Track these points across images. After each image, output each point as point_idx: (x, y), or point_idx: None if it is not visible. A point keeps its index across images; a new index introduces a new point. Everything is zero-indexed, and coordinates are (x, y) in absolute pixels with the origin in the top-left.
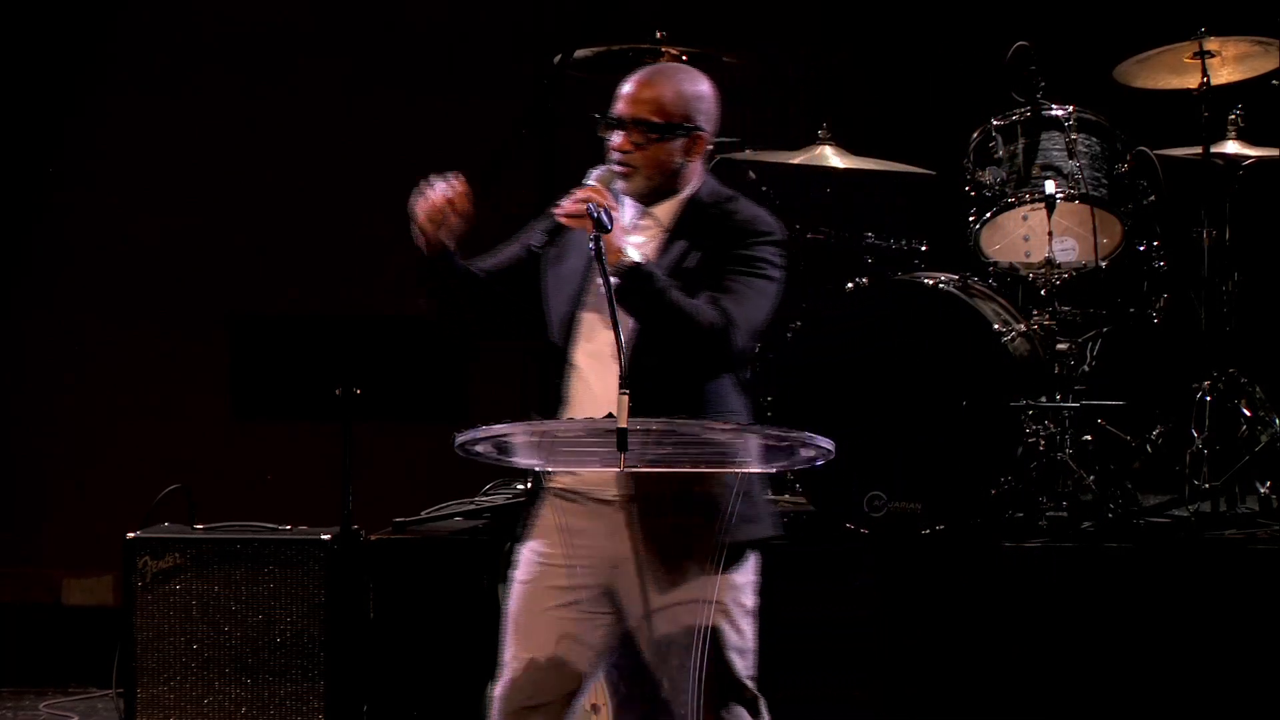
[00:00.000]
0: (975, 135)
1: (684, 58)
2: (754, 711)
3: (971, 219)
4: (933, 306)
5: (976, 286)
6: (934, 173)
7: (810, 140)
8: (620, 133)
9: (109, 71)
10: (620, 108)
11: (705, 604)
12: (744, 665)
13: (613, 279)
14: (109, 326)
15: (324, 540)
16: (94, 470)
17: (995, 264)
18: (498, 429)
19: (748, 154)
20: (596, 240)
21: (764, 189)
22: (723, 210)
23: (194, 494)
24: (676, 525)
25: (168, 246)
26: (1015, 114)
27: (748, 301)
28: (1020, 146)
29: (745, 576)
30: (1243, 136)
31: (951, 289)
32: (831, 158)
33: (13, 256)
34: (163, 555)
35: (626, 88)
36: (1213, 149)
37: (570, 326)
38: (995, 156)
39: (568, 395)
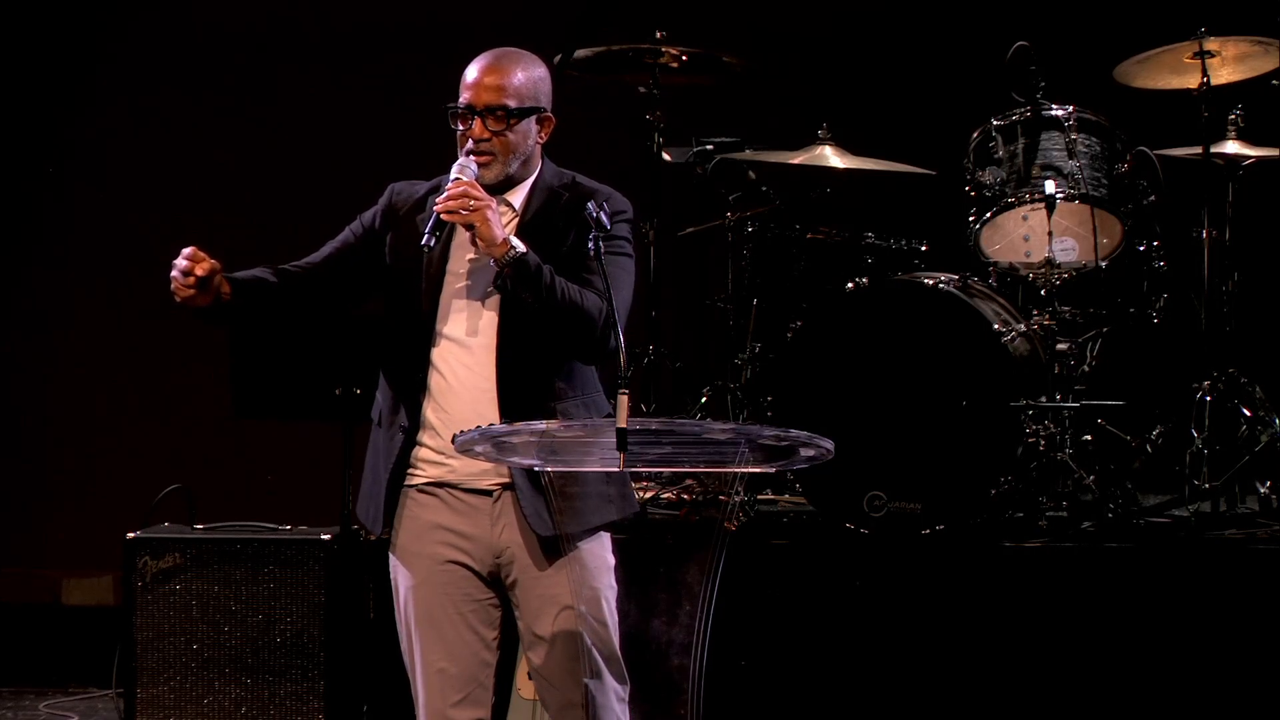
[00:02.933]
0: (975, 135)
1: (684, 58)
2: (622, 683)
3: (971, 219)
4: (933, 306)
5: (976, 286)
6: (934, 173)
7: (810, 140)
8: (476, 120)
9: (109, 71)
10: (474, 95)
11: (582, 585)
12: (614, 639)
13: (500, 270)
14: (109, 326)
15: (324, 540)
16: (94, 470)
17: (995, 264)
18: (497, 429)
19: (748, 154)
20: (597, 240)
21: (764, 189)
22: (574, 191)
23: (194, 494)
24: (547, 510)
25: (168, 246)
26: (1015, 114)
27: (619, 284)
28: (1020, 146)
29: (607, 556)
30: (1243, 136)
31: (951, 289)
32: (831, 158)
33: (12, 256)
34: (163, 555)
35: (474, 75)
36: (1213, 149)
37: (431, 317)
38: (995, 156)
39: (426, 385)
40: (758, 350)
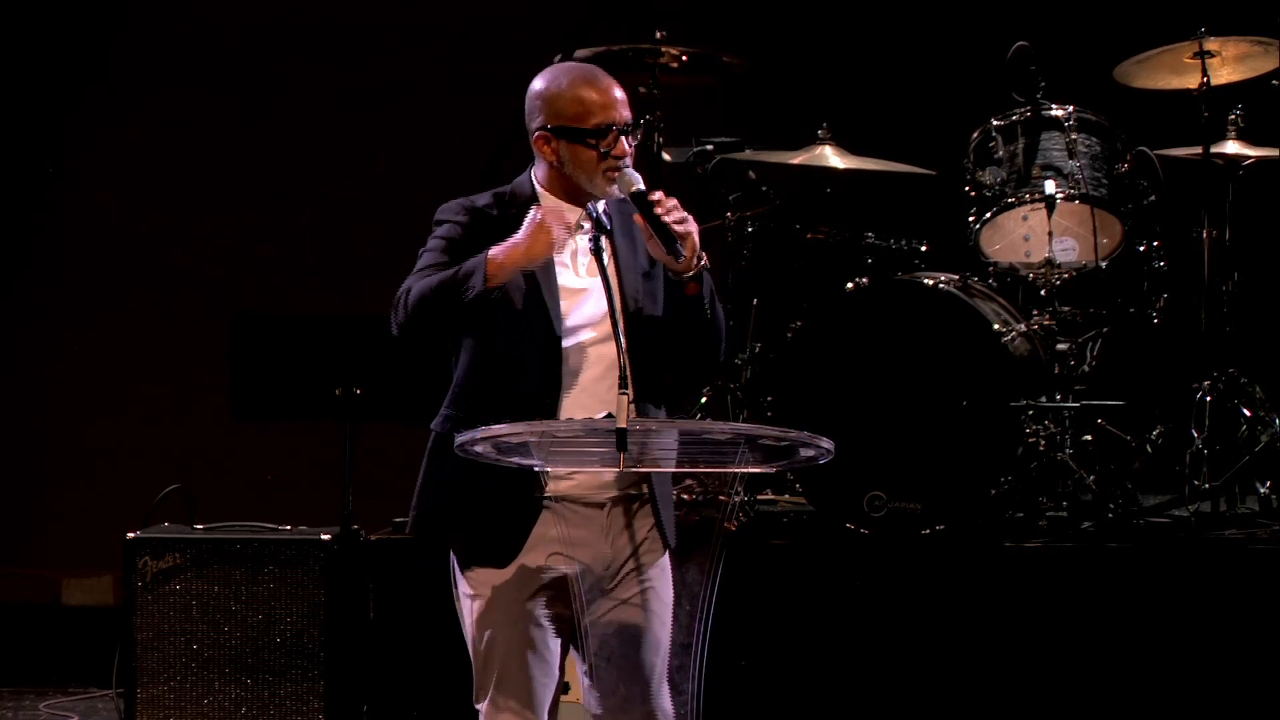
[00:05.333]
0: (975, 135)
1: (684, 58)
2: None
3: (971, 219)
4: (933, 306)
5: (976, 286)
6: (934, 173)
7: (810, 140)
8: (623, 137)
9: (109, 71)
10: (625, 113)
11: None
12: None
13: (690, 280)
14: (109, 326)
15: (324, 540)
16: (94, 470)
17: (995, 264)
18: (498, 429)
19: (748, 154)
20: (597, 240)
21: (764, 189)
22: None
23: (194, 494)
24: (649, 522)
25: (168, 246)
26: (1015, 114)
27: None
28: (1020, 146)
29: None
30: (1243, 136)
31: (951, 289)
32: (831, 158)
33: (12, 256)
34: (163, 555)
35: (616, 93)
36: (1213, 149)
37: (558, 338)
38: (995, 156)
39: (558, 404)
40: (758, 350)
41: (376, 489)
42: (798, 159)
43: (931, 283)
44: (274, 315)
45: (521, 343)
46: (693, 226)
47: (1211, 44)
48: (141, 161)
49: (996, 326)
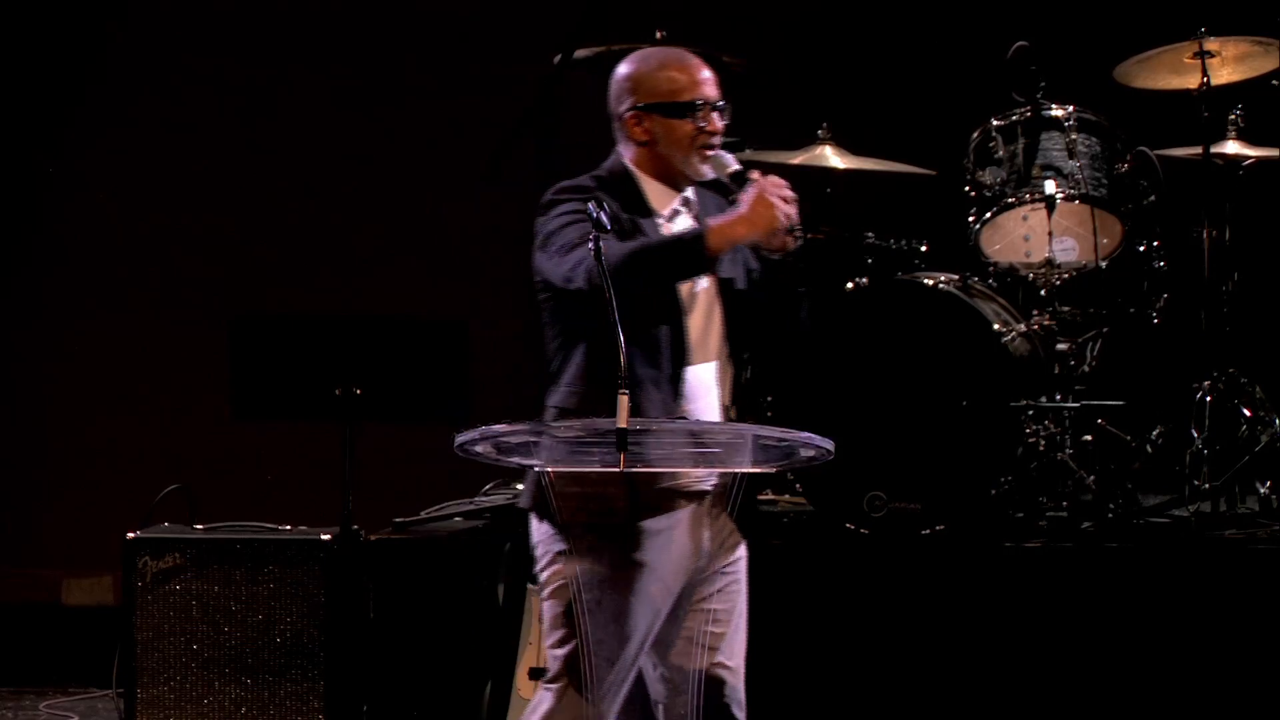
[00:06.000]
0: (975, 135)
1: None
2: None
3: (971, 219)
4: (933, 306)
5: (976, 286)
6: (934, 173)
7: (810, 140)
8: (715, 113)
9: (109, 71)
10: (716, 91)
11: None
12: None
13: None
14: (109, 326)
15: (324, 540)
16: (94, 470)
17: (995, 264)
18: (497, 429)
19: (748, 154)
20: (596, 240)
21: None
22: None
23: (194, 494)
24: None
25: (168, 246)
26: (1015, 114)
27: None
28: (1020, 146)
29: None
30: (1243, 136)
31: (951, 289)
32: (831, 158)
33: (12, 256)
34: (163, 555)
35: (705, 71)
36: (1213, 149)
37: (683, 321)
38: (995, 156)
39: (681, 388)
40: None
41: (376, 489)
42: (798, 159)
43: (931, 283)
44: (274, 315)
45: (650, 318)
46: (791, 205)
47: (1211, 44)
48: (141, 161)
49: (996, 326)
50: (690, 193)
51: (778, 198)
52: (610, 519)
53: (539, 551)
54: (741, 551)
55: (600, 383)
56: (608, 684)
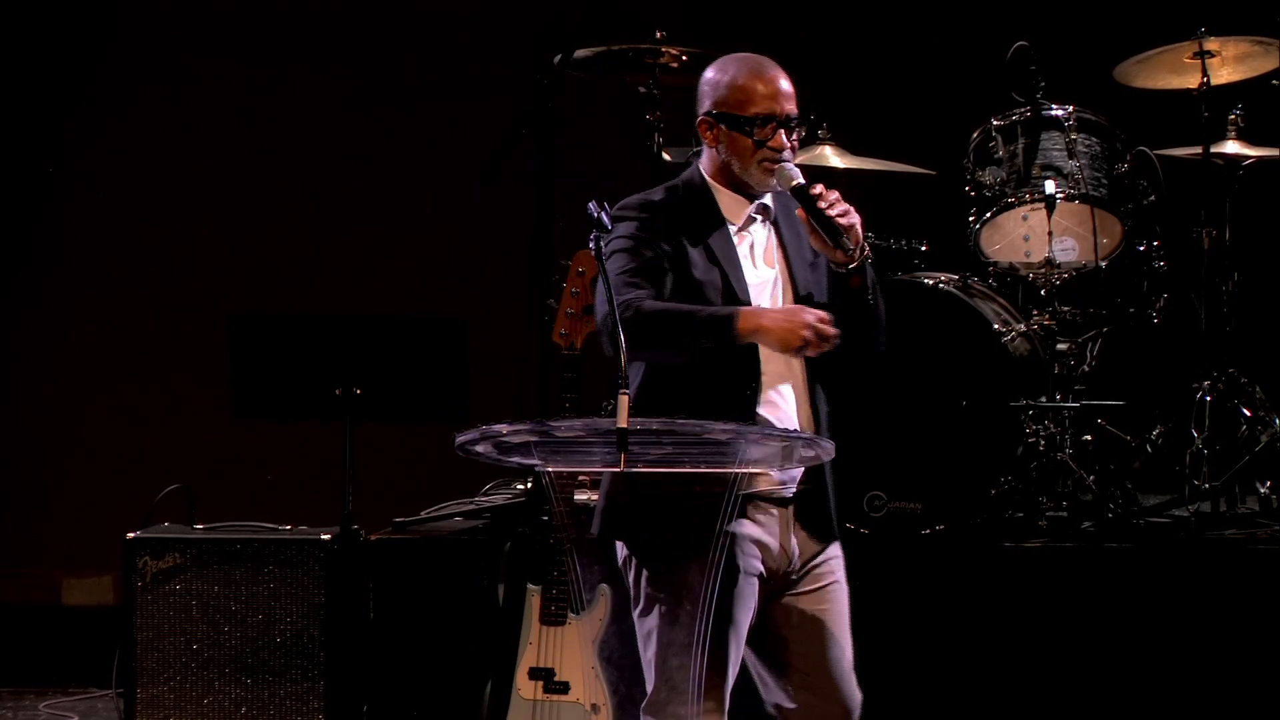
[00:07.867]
0: (975, 135)
1: (684, 58)
2: None
3: (971, 219)
4: (933, 306)
5: (976, 286)
6: (934, 173)
7: (810, 140)
8: (782, 130)
9: (109, 70)
10: (791, 107)
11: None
12: None
13: (854, 273)
14: (109, 326)
15: (324, 540)
16: (94, 470)
17: (995, 264)
18: (497, 429)
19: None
20: (596, 240)
21: None
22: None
23: (194, 494)
24: (824, 515)
25: (167, 246)
26: (1015, 114)
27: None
28: (1020, 146)
29: None
30: (1243, 136)
31: (951, 289)
32: (831, 158)
33: (12, 256)
34: (163, 555)
35: (784, 85)
36: (1213, 149)
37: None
38: (995, 156)
39: (757, 399)
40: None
41: (376, 489)
42: (798, 159)
43: (931, 283)
44: (274, 315)
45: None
46: (855, 219)
47: (1211, 44)
48: (141, 161)
49: (996, 326)
50: (768, 199)
51: (813, 319)
52: (693, 530)
53: (630, 573)
54: (834, 551)
55: (658, 398)
56: (700, 690)
